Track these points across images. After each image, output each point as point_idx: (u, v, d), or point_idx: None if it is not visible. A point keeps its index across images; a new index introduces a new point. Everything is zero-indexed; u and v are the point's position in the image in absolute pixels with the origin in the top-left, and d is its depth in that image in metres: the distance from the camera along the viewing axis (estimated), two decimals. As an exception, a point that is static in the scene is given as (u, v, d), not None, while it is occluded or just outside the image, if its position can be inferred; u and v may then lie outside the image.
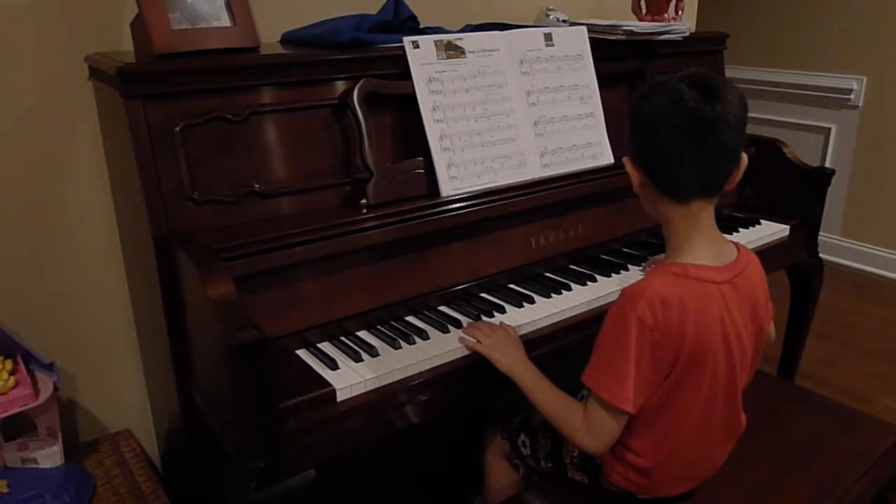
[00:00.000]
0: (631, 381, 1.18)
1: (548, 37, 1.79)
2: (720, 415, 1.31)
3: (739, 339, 1.26)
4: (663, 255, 1.37)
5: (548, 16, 2.21)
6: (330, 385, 1.26)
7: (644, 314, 1.16)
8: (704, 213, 1.23)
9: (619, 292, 1.24)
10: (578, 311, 1.59)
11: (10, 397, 1.44)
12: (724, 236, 1.30)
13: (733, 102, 1.15)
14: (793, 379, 2.39)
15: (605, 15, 2.47)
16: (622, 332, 1.18)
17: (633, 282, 1.26)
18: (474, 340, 1.41)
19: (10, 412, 1.43)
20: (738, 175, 1.22)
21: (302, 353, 1.38)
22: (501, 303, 1.58)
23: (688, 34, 2.10)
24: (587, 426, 1.24)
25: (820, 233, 2.21)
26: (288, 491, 1.21)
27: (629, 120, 1.24)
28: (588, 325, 1.57)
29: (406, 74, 1.57)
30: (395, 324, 1.50)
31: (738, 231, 2.05)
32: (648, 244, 1.90)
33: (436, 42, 1.61)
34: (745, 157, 1.21)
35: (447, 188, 1.58)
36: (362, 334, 1.46)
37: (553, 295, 1.63)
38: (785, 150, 2.17)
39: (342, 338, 1.44)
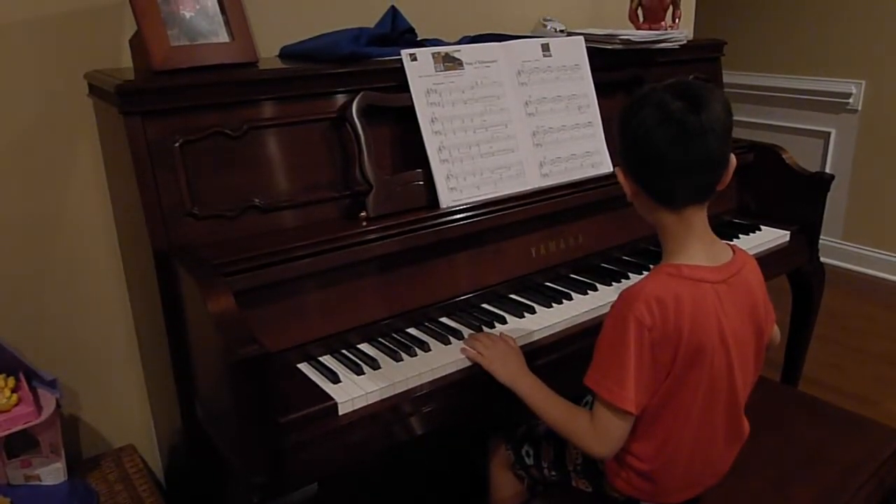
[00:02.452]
0: (631, 381, 1.19)
1: (545, 47, 1.80)
2: (721, 417, 1.31)
3: (737, 339, 1.27)
4: None
5: (545, 26, 2.22)
6: (332, 398, 1.26)
7: (642, 315, 1.17)
8: (697, 217, 1.25)
9: (618, 295, 1.25)
10: (579, 321, 1.59)
11: (13, 414, 1.44)
12: (718, 239, 1.31)
13: (718, 110, 1.17)
14: (796, 384, 2.39)
15: (602, 24, 2.48)
16: (621, 334, 1.19)
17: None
18: (475, 352, 1.41)
19: (13, 429, 1.44)
20: (728, 176, 1.24)
21: (303, 367, 1.38)
22: (502, 313, 1.58)
23: (685, 42, 2.10)
24: (594, 430, 1.25)
25: (821, 237, 2.21)
26: (291, 505, 1.21)
27: (618, 132, 1.25)
28: (589, 333, 1.56)
29: (404, 87, 1.57)
30: (396, 336, 1.49)
31: (738, 237, 2.05)
32: (648, 252, 1.90)
33: (433, 54, 1.61)
34: (733, 158, 1.23)
35: (447, 199, 1.58)
36: (364, 347, 1.46)
37: (554, 304, 1.63)
38: (784, 156, 2.18)
39: (343, 351, 1.44)
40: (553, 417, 1.32)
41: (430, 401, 1.35)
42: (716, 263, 1.26)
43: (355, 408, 1.28)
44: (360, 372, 1.35)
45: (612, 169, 1.83)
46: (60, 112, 1.62)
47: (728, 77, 2.44)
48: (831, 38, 3.87)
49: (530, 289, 1.71)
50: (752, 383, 1.35)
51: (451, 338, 1.47)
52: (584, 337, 1.56)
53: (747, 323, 1.29)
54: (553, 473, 1.52)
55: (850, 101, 3.81)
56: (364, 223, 1.48)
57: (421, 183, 1.58)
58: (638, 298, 1.19)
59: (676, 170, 1.18)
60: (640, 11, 2.22)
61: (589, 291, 1.69)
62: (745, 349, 1.30)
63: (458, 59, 1.65)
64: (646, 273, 1.77)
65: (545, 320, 1.56)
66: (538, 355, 1.49)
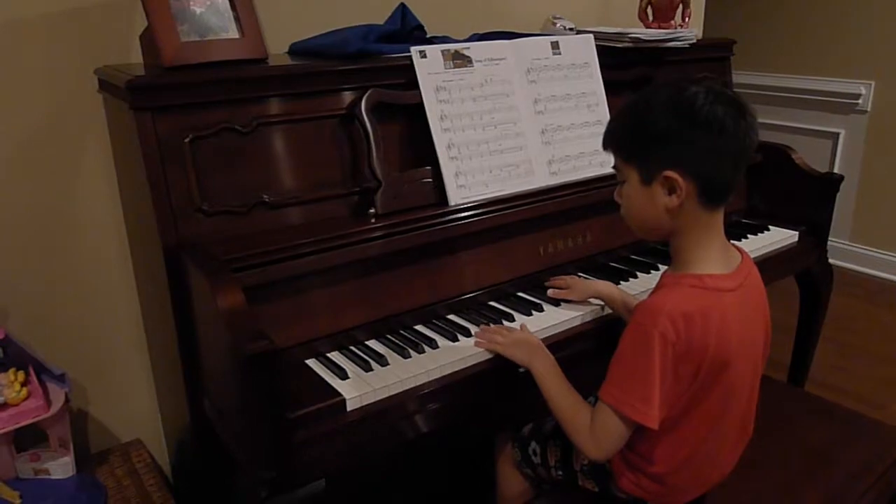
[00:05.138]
0: (656, 398, 1.17)
1: (555, 45, 1.80)
2: (735, 421, 1.31)
3: (751, 344, 1.26)
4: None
5: (554, 24, 2.22)
6: (339, 395, 1.26)
7: (666, 329, 1.15)
8: (721, 217, 1.24)
9: (636, 308, 1.24)
10: (587, 319, 1.59)
11: (23, 408, 1.44)
12: (728, 242, 1.30)
13: None
14: (803, 385, 2.38)
15: (611, 22, 2.48)
16: (645, 349, 1.17)
17: (641, 290, 1.26)
18: (490, 342, 1.42)
19: (23, 423, 1.44)
20: None
21: (311, 363, 1.38)
22: (510, 311, 1.58)
23: (694, 41, 2.10)
24: (592, 434, 1.24)
25: (829, 238, 2.20)
26: (298, 501, 1.21)
27: (682, 126, 1.16)
28: (597, 333, 1.57)
29: (414, 84, 1.57)
30: (404, 333, 1.50)
31: (746, 237, 2.05)
32: (657, 251, 1.90)
33: (443, 51, 1.61)
34: None
35: (455, 197, 1.58)
36: (371, 343, 1.46)
37: (562, 303, 1.62)
38: (793, 156, 2.17)
39: (351, 347, 1.44)
40: (559, 406, 1.31)
41: (437, 398, 1.35)
42: (730, 269, 1.25)
43: (363, 404, 1.28)
44: (368, 368, 1.35)
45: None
46: (71, 107, 1.62)
47: (737, 77, 2.43)
48: (841, 38, 3.86)
49: (538, 287, 1.70)
50: (758, 377, 1.35)
51: (459, 335, 1.47)
52: (592, 336, 1.56)
53: (759, 325, 1.29)
54: (559, 473, 1.52)
55: (860, 101, 3.80)
56: (373, 220, 1.48)
57: (430, 180, 1.58)
58: (662, 312, 1.16)
59: (746, 159, 1.19)
60: (649, 10, 2.22)
61: (597, 290, 1.69)
62: (756, 352, 1.30)
63: (468, 57, 1.65)
64: (654, 272, 1.78)
65: (553, 318, 1.56)
66: (546, 353, 1.48)
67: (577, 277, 1.69)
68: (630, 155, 1.24)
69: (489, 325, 1.49)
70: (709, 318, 1.17)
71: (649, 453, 1.29)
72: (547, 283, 1.68)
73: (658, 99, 1.20)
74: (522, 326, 1.49)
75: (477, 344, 1.43)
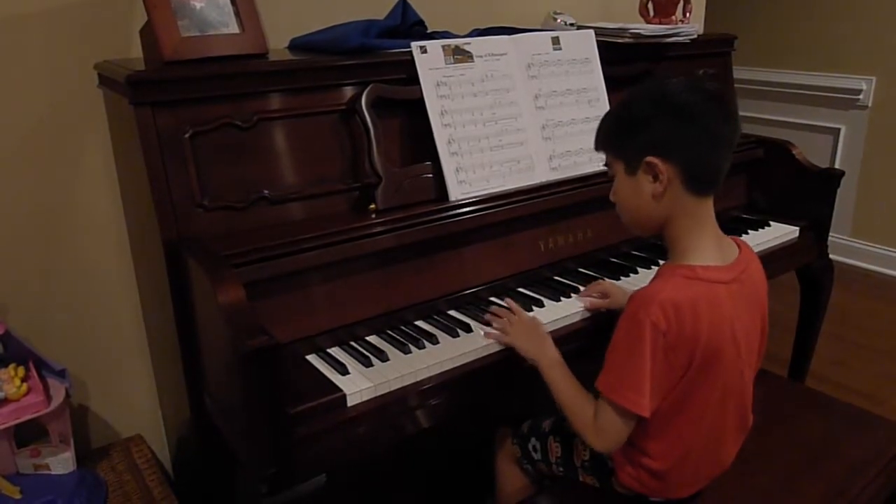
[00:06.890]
0: (647, 387, 1.18)
1: (555, 40, 1.79)
2: (732, 413, 1.32)
3: (746, 336, 1.27)
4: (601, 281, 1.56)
5: (555, 19, 2.22)
6: (340, 390, 1.26)
7: (658, 319, 1.16)
8: (711, 208, 1.26)
9: (629, 297, 1.25)
10: (587, 315, 1.59)
11: (23, 404, 1.44)
12: (724, 234, 1.31)
13: None
14: (803, 380, 2.38)
15: (612, 18, 2.47)
16: (636, 338, 1.18)
17: (642, 286, 1.26)
18: (499, 332, 1.43)
19: (23, 419, 1.44)
20: None
21: (312, 359, 1.38)
22: (511, 307, 1.58)
23: (696, 36, 2.09)
24: (595, 427, 1.26)
25: (830, 234, 2.20)
26: (299, 496, 1.22)
27: (657, 114, 1.20)
28: (597, 328, 1.57)
29: (414, 79, 1.57)
30: (404, 328, 1.50)
31: (747, 233, 2.04)
32: (657, 247, 1.90)
33: (443, 47, 1.61)
34: None
35: (456, 192, 1.58)
36: (372, 339, 1.46)
37: (562, 298, 1.62)
38: (794, 152, 2.17)
39: (352, 343, 1.44)
40: (563, 400, 1.32)
41: (438, 393, 1.36)
42: (726, 261, 1.26)
43: (363, 399, 1.28)
44: (368, 364, 1.35)
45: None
46: (71, 102, 1.62)
47: (738, 72, 2.43)
48: (842, 33, 3.85)
49: (538, 282, 1.70)
50: (755, 371, 1.36)
51: (459, 330, 1.47)
52: (591, 331, 1.56)
53: (755, 318, 1.30)
54: (560, 469, 1.52)
55: (861, 97, 3.79)
56: (373, 215, 1.48)
57: (430, 176, 1.58)
58: (654, 302, 1.17)
59: (727, 145, 1.20)
60: (650, 5, 2.22)
61: (597, 286, 1.69)
62: (752, 344, 1.31)
63: (469, 52, 1.64)
64: (654, 268, 1.78)
65: (553, 314, 1.56)
66: (546, 349, 1.48)
67: (613, 284, 1.65)
68: (615, 148, 1.28)
69: (488, 325, 1.49)
70: (698, 308, 1.18)
71: (647, 448, 1.30)
72: (583, 294, 1.63)
73: (637, 92, 1.26)
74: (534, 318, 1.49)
75: (487, 335, 1.43)
